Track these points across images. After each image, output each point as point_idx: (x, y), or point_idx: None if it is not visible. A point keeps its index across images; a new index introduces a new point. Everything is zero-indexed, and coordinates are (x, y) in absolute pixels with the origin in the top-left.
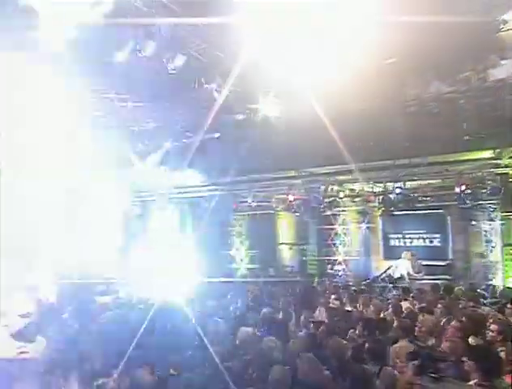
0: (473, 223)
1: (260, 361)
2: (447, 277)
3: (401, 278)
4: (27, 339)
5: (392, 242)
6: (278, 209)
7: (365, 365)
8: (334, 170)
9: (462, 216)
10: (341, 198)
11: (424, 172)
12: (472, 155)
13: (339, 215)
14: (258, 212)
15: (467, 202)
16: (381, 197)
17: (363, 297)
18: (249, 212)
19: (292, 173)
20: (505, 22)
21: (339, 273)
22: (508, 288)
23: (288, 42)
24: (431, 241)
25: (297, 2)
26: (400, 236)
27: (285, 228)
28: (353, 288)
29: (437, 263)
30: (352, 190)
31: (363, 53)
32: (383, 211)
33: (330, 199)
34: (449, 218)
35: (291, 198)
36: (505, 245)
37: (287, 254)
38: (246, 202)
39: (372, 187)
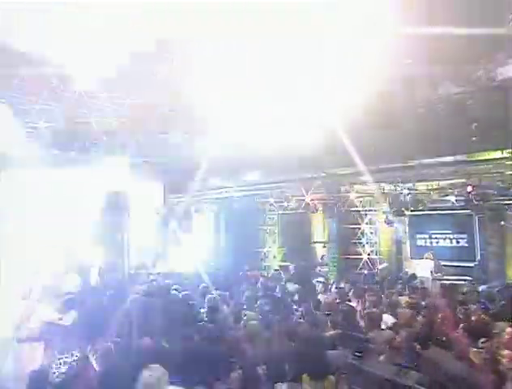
0: (502, 223)
1: None
2: (468, 278)
3: (413, 277)
4: (65, 311)
5: (419, 242)
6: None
7: None
8: (353, 171)
9: (492, 217)
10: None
11: (434, 173)
12: (481, 156)
13: (366, 214)
14: (289, 212)
15: (475, 202)
16: (391, 197)
17: (368, 293)
18: (282, 212)
19: (313, 174)
20: None
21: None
22: None
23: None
24: (458, 242)
25: None
26: (427, 236)
27: (319, 226)
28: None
29: (463, 264)
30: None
31: (377, 57)
32: (394, 211)
33: (353, 199)
34: (476, 218)
35: (308, 199)
36: None
37: (320, 252)
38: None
39: (383, 188)
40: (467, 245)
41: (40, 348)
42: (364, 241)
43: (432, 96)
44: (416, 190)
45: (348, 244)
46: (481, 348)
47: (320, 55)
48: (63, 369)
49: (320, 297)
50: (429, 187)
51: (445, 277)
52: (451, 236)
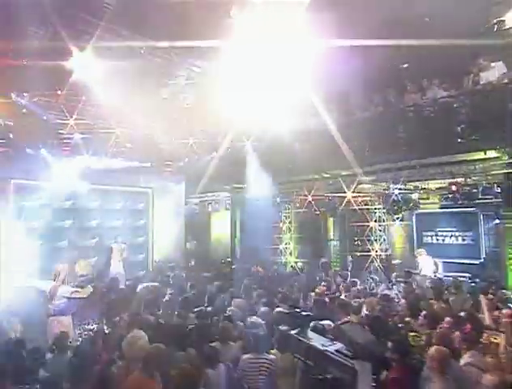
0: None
1: None
2: (465, 275)
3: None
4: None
5: (425, 239)
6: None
7: None
8: (350, 173)
9: (494, 215)
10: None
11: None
12: (466, 156)
13: (375, 212)
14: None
15: (460, 201)
16: (384, 197)
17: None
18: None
19: (315, 176)
20: (499, 23)
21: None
22: None
23: None
24: (463, 240)
25: None
26: (433, 233)
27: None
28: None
29: (469, 262)
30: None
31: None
32: (388, 210)
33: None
34: (481, 216)
35: (309, 198)
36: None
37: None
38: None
39: (381, 187)
40: (472, 242)
41: (64, 320)
42: (372, 238)
43: (420, 101)
44: (406, 189)
45: (358, 241)
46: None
47: None
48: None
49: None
50: (419, 187)
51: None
52: (457, 233)
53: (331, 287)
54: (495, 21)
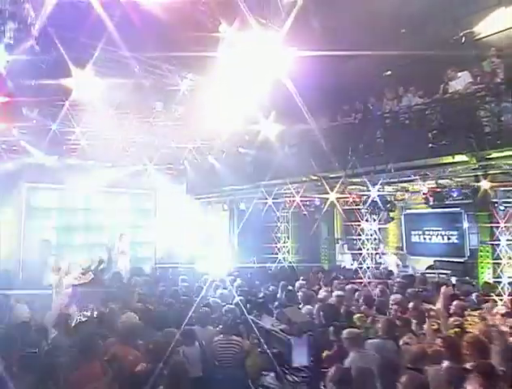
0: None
1: None
2: (447, 272)
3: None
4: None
5: (414, 238)
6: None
7: None
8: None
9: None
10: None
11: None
12: (437, 160)
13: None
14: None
15: (431, 203)
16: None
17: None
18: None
19: (303, 178)
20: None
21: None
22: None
23: None
24: (449, 239)
25: None
26: (421, 232)
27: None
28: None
29: (454, 260)
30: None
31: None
32: (369, 210)
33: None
34: (465, 216)
35: (298, 199)
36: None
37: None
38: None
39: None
40: (457, 241)
41: (69, 305)
42: (363, 237)
43: (396, 108)
44: (384, 191)
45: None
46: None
47: None
48: (82, 317)
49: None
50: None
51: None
52: (443, 232)
53: (311, 281)
54: (462, 33)
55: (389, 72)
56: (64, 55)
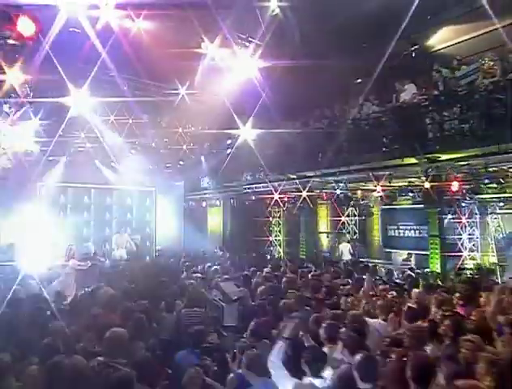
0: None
1: None
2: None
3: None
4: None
5: (390, 232)
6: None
7: None
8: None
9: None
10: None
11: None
12: (389, 162)
13: (349, 207)
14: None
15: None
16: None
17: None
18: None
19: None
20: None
21: None
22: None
23: None
24: (420, 233)
25: None
26: (396, 227)
27: (323, 218)
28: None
29: (424, 253)
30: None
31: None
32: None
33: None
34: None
35: (276, 196)
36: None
37: (325, 242)
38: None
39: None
40: (427, 235)
41: (70, 283)
42: (345, 231)
43: (357, 116)
44: (347, 189)
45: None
46: None
47: None
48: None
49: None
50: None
51: None
52: (414, 227)
53: (281, 268)
54: (412, 48)
55: (359, 80)
56: (64, 77)
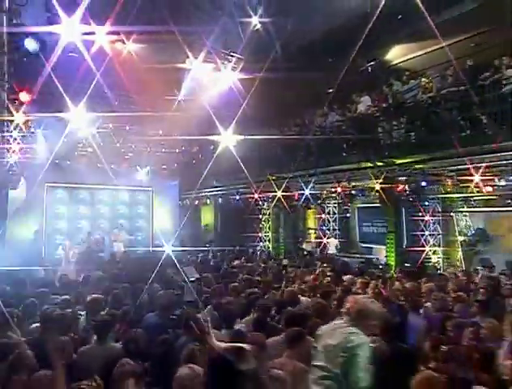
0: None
1: None
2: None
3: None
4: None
5: (365, 229)
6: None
7: None
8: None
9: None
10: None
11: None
12: (348, 166)
13: (328, 206)
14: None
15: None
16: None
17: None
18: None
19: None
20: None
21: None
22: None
23: None
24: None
25: None
26: (370, 224)
27: (311, 215)
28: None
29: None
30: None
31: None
32: (304, 205)
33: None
34: (403, 210)
35: (256, 196)
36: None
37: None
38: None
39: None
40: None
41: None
42: (325, 228)
43: (323, 124)
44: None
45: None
46: None
47: None
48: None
49: None
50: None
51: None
52: (385, 224)
53: (252, 259)
54: (369, 64)
55: (328, 91)
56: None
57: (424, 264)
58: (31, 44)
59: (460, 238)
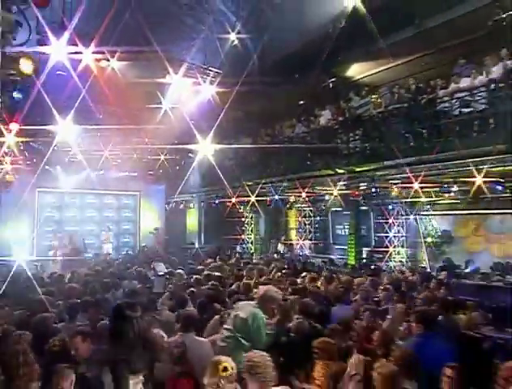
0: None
1: None
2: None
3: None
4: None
5: (338, 231)
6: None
7: None
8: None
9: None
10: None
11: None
12: (312, 174)
13: (304, 210)
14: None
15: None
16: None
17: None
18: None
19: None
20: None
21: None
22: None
23: None
24: (360, 231)
25: None
26: (342, 227)
27: (293, 219)
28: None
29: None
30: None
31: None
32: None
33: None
34: (372, 214)
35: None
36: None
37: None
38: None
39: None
40: (366, 234)
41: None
42: (301, 230)
43: (291, 134)
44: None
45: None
46: None
47: None
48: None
49: None
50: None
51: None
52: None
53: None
54: (330, 80)
55: (302, 101)
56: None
57: (387, 263)
58: (26, 65)
59: (429, 239)
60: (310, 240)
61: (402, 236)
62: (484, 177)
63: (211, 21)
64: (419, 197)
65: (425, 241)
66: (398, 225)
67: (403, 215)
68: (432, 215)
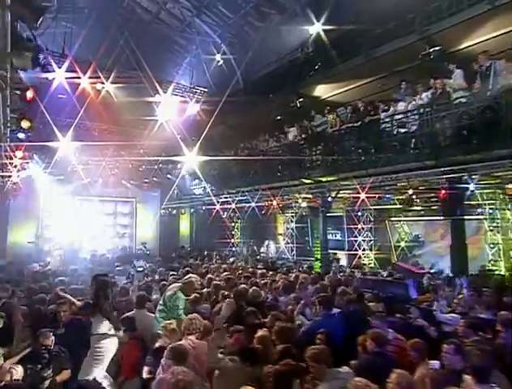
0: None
1: None
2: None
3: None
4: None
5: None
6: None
7: None
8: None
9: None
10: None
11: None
12: (282, 184)
13: (286, 216)
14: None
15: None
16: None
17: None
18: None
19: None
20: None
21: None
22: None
23: None
24: (335, 236)
25: None
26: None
27: (281, 224)
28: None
29: (339, 252)
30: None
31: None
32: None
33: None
34: (345, 219)
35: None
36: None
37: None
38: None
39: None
40: (341, 238)
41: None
42: (287, 235)
43: (265, 148)
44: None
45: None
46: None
47: None
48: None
49: None
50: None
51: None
52: (333, 231)
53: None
54: (298, 100)
55: (279, 117)
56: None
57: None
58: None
59: (402, 243)
60: (292, 244)
61: (370, 240)
62: (414, 188)
63: (198, 43)
64: (381, 205)
65: (396, 246)
66: (366, 230)
67: (371, 221)
68: (402, 220)
